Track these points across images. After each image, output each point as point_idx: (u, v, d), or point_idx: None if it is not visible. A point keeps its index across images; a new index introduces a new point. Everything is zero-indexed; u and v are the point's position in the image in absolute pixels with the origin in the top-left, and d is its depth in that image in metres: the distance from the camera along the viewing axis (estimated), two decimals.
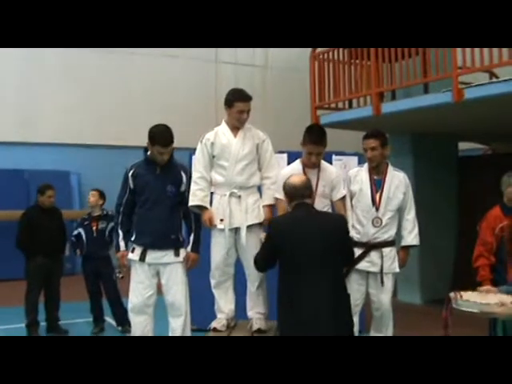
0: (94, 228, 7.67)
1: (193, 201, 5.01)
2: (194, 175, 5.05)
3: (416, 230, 5.24)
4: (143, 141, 5.34)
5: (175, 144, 5.12)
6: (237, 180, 4.95)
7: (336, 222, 4.27)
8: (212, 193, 5.07)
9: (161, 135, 5.03)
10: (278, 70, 15.40)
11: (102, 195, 7.82)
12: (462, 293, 3.93)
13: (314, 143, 4.96)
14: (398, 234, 5.25)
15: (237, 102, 4.95)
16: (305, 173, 4.96)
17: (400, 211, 5.21)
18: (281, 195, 4.96)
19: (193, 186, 5.02)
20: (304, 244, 4.02)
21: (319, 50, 9.39)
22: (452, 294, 3.91)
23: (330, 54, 9.31)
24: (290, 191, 4.29)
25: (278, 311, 4.10)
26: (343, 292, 4.18)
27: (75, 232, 7.84)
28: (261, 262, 4.41)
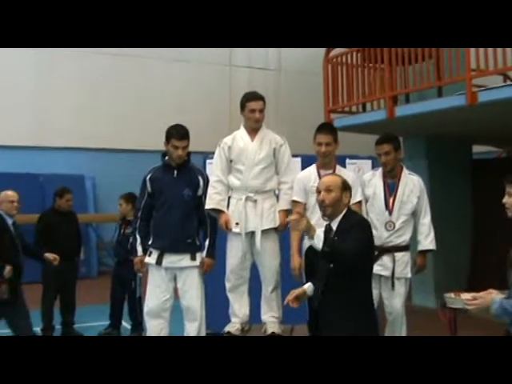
0: (122, 231, 7.65)
1: (209, 204, 5.04)
2: (212, 179, 5.09)
3: (432, 235, 5.22)
4: (157, 145, 5.37)
5: (189, 148, 5.16)
6: (253, 184, 4.98)
7: None
8: (229, 197, 5.10)
9: (175, 129, 5.11)
10: (292, 74, 15.41)
11: (127, 200, 7.63)
12: (462, 294, 3.96)
13: (322, 132, 5.01)
14: (414, 239, 5.24)
15: (248, 102, 5.04)
16: (319, 176, 4.99)
17: (415, 215, 5.20)
18: (298, 198, 5.00)
19: (210, 190, 5.06)
20: None
21: (333, 53, 9.38)
22: (447, 294, 3.97)
23: (344, 57, 9.31)
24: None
25: (359, 314, 3.81)
26: None
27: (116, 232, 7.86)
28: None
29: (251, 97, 5.07)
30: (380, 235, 5.08)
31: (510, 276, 3.40)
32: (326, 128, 5.13)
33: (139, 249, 5.27)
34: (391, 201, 5.11)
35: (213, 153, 5.20)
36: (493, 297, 3.24)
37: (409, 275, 5.17)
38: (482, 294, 3.33)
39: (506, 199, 3.49)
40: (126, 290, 7.54)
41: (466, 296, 3.58)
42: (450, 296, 4.03)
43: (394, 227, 5.08)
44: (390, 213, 5.08)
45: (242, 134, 5.09)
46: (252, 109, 5.01)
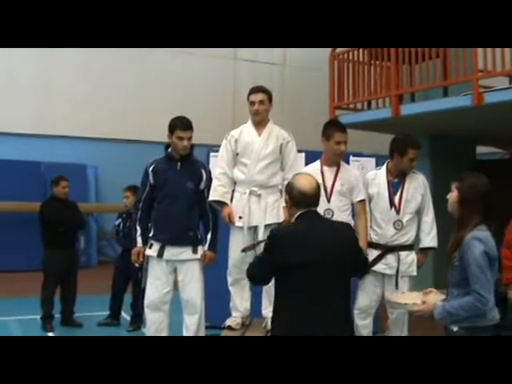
0: (127, 224, 7.62)
1: (213, 196, 5.03)
2: (217, 171, 5.09)
3: (434, 232, 5.20)
4: (160, 136, 5.34)
5: (193, 140, 5.15)
6: (257, 178, 4.96)
7: (347, 233, 3.66)
8: (233, 190, 5.09)
9: (179, 120, 5.13)
10: (297, 69, 15.40)
11: (135, 193, 7.55)
12: (400, 294, 4.03)
13: (342, 131, 5.05)
14: (416, 236, 5.23)
15: (249, 96, 5.10)
16: (322, 172, 5.00)
17: (418, 213, 5.19)
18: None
19: (214, 182, 5.05)
20: (316, 257, 3.41)
21: (339, 50, 9.37)
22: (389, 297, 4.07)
23: (350, 54, 9.29)
24: (298, 197, 3.53)
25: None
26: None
27: (116, 222, 7.88)
28: (257, 276, 3.80)
29: (252, 90, 5.13)
30: (385, 234, 5.06)
31: (449, 275, 3.55)
32: (343, 126, 5.15)
33: (139, 240, 5.25)
34: (396, 200, 5.08)
35: (216, 146, 5.19)
36: (435, 303, 3.44)
37: (414, 273, 5.17)
38: (428, 298, 3.57)
39: (449, 195, 3.75)
40: (131, 281, 7.54)
41: (413, 300, 3.65)
42: (394, 300, 3.98)
43: (403, 226, 5.07)
44: (398, 212, 5.05)
45: (249, 128, 5.09)
46: (251, 101, 5.06)
